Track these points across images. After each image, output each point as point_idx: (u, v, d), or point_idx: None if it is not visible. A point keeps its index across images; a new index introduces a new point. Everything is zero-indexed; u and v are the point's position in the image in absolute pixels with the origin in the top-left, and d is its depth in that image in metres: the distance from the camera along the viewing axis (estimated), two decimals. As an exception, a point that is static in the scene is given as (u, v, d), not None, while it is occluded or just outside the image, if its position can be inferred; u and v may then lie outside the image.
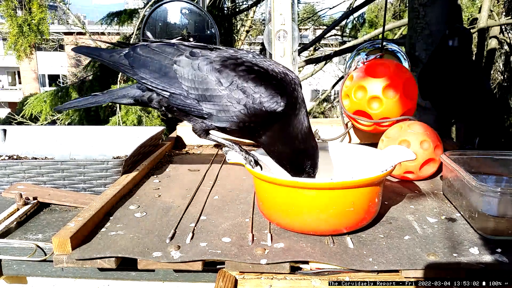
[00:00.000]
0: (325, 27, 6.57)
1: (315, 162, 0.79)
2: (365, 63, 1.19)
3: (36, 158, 1.13)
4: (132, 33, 4.47)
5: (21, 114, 5.36)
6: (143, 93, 0.85)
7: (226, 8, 5.27)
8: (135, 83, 0.87)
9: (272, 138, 0.78)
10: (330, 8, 6.20)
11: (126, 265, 0.68)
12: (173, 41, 0.85)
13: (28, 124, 5.23)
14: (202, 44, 0.83)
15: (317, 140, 0.82)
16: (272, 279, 0.65)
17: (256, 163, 0.77)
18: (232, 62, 0.77)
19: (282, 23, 1.32)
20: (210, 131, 0.84)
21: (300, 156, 0.78)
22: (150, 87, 0.81)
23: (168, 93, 0.79)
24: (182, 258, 0.66)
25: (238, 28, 6.56)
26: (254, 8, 6.18)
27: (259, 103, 0.73)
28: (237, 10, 5.78)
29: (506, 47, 5.40)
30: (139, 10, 5.44)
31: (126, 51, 0.83)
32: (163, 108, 0.83)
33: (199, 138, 0.85)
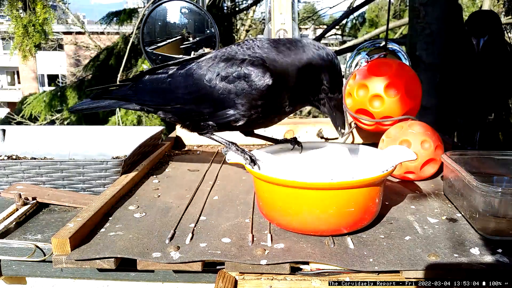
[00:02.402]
0: (325, 26, 6.57)
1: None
2: (368, 62, 1.19)
3: (35, 158, 1.12)
4: (132, 33, 4.47)
5: (20, 114, 5.36)
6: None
7: (225, 7, 5.27)
8: None
9: (292, 100, 0.78)
10: (331, 8, 6.21)
11: (126, 265, 0.68)
12: (173, 62, 0.90)
13: (27, 124, 5.23)
14: (193, 56, 0.89)
15: (320, 140, 0.82)
16: (272, 279, 0.65)
17: (254, 162, 0.77)
18: (210, 58, 0.81)
19: (282, 22, 1.32)
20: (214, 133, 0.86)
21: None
22: (155, 107, 0.88)
23: (169, 107, 0.85)
24: (182, 259, 0.66)
25: (238, 27, 6.56)
26: (254, 7, 6.18)
27: (248, 87, 0.75)
28: (237, 9, 5.78)
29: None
30: (138, 10, 5.44)
31: (131, 84, 0.92)
32: (171, 119, 0.89)
33: (198, 138, 0.85)
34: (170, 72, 0.85)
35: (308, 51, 0.74)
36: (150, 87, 0.88)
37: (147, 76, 0.90)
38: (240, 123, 0.79)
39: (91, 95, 0.98)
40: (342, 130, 0.77)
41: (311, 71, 0.74)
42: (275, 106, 0.78)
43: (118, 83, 0.99)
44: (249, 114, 0.78)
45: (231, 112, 0.78)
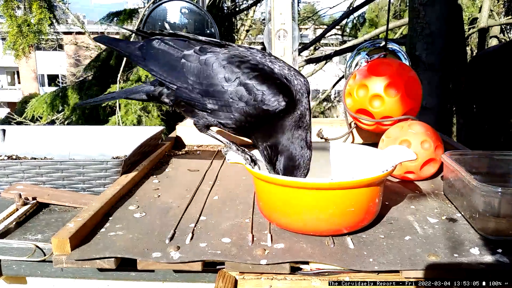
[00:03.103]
0: (325, 26, 6.57)
1: (301, 169, 0.77)
2: (368, 62, 1.19)
3: (35, 158, 1.12)
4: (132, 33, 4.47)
5: (23, 116, 5.36)
6: (154, 88, 0.87)
7: (226, 8, 5.27)
8: (150, 80, 0.89)
9: (266, 135, 0.78)
10: (331, 8, 6.21)
11: (126, 265, 0.68)
12: (188, 34, 0.86)
13: (27, 124, 5.23)
14: (215, 40, 0.84)
15: (320, 140, 0.82)
16: (272, 279, 0.65)
17: (254, 162, 0.77)
18: (238, 60, 0.77)
19: (282, 22, 1.32)
20: (211, 127, 0.85)
21: (286, 158, 0.77)
22: (159, 79, 0.83)
23: (175, 86, 0.81)
24: (182, 259, 0.66)
25: (238, 27, 6.56)
26: (254, 7, 6.18)
27: (260, 101, 0.74)
28: (237, 9, 5.78)
29: (506, 46, 5.39)
30: (138, 10, 5.44)
31: (141, 43, 0.85)
32: (171, 102, 0.85)
33: (199, 138, 0.85)
34: (186, 52, 0.80)
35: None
36: (161, 58, 0.82)
37: (159, 41, 0.83)
38: (228, 127, 0.79)
39: None
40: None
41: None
42: (260, 129, 0.78)
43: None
44: (239, 124, 0.78)
45: (231, 115, 0.77)
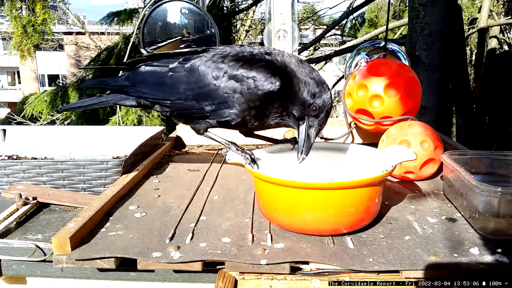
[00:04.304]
0: (325, 27, 6.57)
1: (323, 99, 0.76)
2: (368, 62, 1.19)
3: (35, 158, 1.12)
4: (132, 33, 4.47)
5: (22, 114, 5.36)
6: (144, 103, 0.89)
7: (225, 8, 5.27)
8: None
9: (279, 108, 0.78)
10: (330, 8, 6.20)
11: (126, 265, 0.68)
12: (169, 51, 0.88)
13: (27, 124, 5.23)
14: (195, 49, 0.86)
15: (320, 140, 0.82)
16: (272, 279, 0.65)
17: (254, 161, 0.77)
18: (220, 56, 0.79)
19: (282, 22, 1.32)
20: (209, 129, 0.85)
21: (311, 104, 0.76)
22: (152, 101, 0.85)
23: (169, 101, 0.83)
24: (182, 259, 0.66)
25: (237, 27, 6.56)
26: (254, 7, 6.18)
27: (254, 87, 0.75)
28: (236, 9, 5.78)
29: (505, 47, 5.40)
30: (139, 10, 5.44)
31: (126, 74, 0.88)
32: (167, 115, 0.87)
33: (199, 138, 0.85)
34: (172, 66, 0.83)
35: (315, 73, 0.77)
36: (148, 79, 0.85)
37: (144, 66, 0.86)
38: (234, 122, 0.79)
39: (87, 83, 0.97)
40: (304, 156, 0.77)
41: (309, 91, 0.75)
42: (266, 113, 0.79)
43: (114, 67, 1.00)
44: (243, 115, 0.78)
45: (231, 111, 0.78)
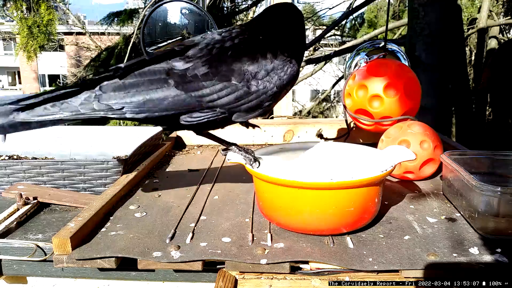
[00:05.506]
0: (324, 27, 6.57)
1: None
2: (368, 63, 1.19)
3: (36, 158, 1.13)
4: (132, 33, 4.47)
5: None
6: None
7: (226, 8, 5.28)
8: None
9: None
10: (330, 8, 6.21)
11: (126, 265, 0.68)
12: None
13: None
14: (169, 50, 0.73)
15: (319, 140, 0.82)
16: (272, 279, 0.65)
17: (255, 160, 0.78)
18: (224, 50, 0.72)
19: (282, 23, 1.32)
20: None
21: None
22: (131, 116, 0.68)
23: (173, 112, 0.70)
24: (182, 258, 0.66)
25: (238, 28, 6.54)
26: (254, 8, 6.18)
27: (286, 79, 0.73)
28: (237, 10, 5.78)
29: (505, 47, 5.40)
30: (139, 10, 5.44)
31: (95, 94, 0.67)
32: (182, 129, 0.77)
33: (199, 138, 0.85)
34: (171, 65, 0.70)
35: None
36: (136, 94, 0.67)
37: (110, 82, 0.68)
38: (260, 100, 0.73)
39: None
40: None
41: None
42: None
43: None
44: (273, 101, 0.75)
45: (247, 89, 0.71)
